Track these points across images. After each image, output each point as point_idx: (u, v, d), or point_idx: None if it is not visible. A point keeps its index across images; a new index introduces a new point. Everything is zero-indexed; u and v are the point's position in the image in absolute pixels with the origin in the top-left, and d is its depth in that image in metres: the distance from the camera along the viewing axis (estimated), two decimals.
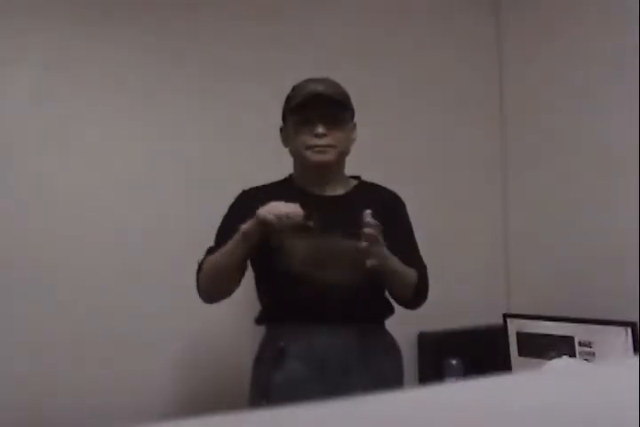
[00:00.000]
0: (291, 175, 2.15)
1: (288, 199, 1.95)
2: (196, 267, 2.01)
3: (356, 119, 2.12)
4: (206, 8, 2.66)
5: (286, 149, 2.11)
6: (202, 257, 2.03)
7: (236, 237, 1.91)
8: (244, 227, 1.89)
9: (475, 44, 3.18)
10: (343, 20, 2.88)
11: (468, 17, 3.17)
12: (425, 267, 2.12)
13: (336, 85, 2.06)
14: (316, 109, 2.00)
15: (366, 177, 2.19)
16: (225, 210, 2.09)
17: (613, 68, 2.75)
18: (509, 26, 3.18)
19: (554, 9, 2.99)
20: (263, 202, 1.92)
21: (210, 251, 2.03)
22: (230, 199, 2.10)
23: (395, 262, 1.96)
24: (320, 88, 2.01)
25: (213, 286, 2.00)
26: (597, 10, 2.82)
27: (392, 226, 2.05)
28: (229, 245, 1.93)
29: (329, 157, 2.03)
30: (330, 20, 2.86)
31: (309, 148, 2.02)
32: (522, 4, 3.13)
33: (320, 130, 2.00)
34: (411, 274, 2.04)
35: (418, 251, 2.15)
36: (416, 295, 2.06)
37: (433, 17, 3.09)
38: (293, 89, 2.08)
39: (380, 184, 2.19)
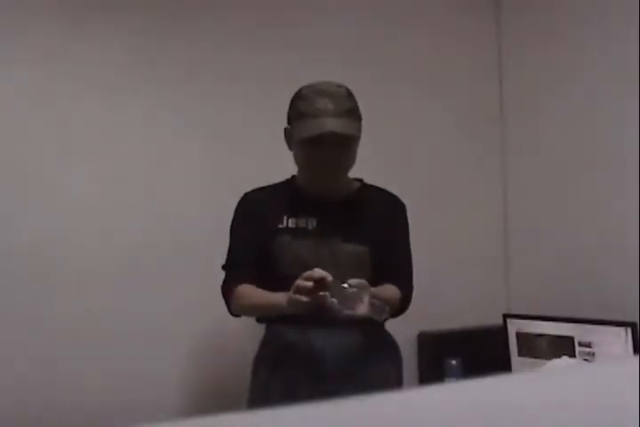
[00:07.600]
0: (293, 176, 2.12)
1: (289, 203, 2.03)
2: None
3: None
4: (208, 8, 2.66)
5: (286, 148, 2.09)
6: (230, 277, 2.02)
7: (280, 300, 1.86)
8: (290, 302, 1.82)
9: (475, 44, 3.18)
10: (344, 21, 2.88)
11: (468, 17, 3.16)
12: (411, 284, 2.08)
13: (347, 101, 1.97)
14: (329, 143, 1.94)
15: (366, 176, 2.18)
16: (229, 211, 2.09)
17: (614, 70, 2.75)
18: (510, 26, 3.17)
19: (554, 10, 2.99)
20: (266, 207, 2.02)
21: (232, 268, 2.04)
22: (235, 199, 2.10)
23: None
24: (335, 123, 1.91)
25: (250, 315, 2.10)
26: (598, 11, 2.82)
27: (392, 228, 2.06)
28: (272, 299, 1.91)
29: (334, 179, 2.04)
30: (331, 21, 2.85)
31: (316, 168, 2.00)
32: (522, 5, 3.13)
33: (329, 161, 1.97)
34: (392, 300, 1.97)
35: (410, 262, 2.12)
36: (395, 315, 2.02)
37: (433, 17, 3.09)
38: (301, 98, 1.98)
39: (382, 187, 2.17)
